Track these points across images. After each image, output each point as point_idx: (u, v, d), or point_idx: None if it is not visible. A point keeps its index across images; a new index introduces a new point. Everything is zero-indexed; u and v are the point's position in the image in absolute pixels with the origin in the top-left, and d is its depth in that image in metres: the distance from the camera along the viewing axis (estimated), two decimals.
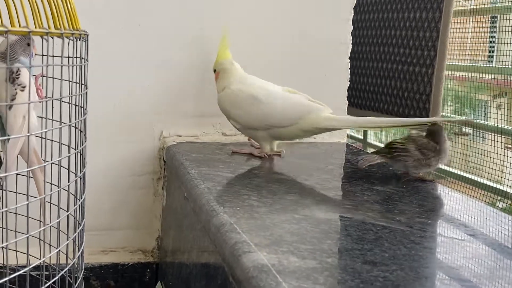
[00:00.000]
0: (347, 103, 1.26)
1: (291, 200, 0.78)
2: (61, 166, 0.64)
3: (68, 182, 0.65)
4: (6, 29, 0.51)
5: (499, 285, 0.56)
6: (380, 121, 0.99)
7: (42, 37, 0.57)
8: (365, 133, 2.61)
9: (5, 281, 0.56)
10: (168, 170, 1.13)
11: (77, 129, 0.68)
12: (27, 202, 0.57)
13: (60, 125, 0.63)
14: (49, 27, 0.58)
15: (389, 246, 0.61)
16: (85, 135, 0.70)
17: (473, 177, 1.88)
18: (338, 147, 1.21)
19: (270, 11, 1.19)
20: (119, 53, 1.12)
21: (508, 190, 1.71)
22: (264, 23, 1.19)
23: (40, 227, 0.62)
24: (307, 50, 1.22)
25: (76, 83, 0.67)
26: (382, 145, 2.60)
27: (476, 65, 2.02)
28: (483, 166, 1.88)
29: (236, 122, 1.04)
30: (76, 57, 0.66)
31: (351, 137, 2.69)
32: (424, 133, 0.95)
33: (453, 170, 1.97)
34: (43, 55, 0.60)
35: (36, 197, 0.61)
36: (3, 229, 0.62)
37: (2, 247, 0.56)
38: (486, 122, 1.91)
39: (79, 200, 0.68)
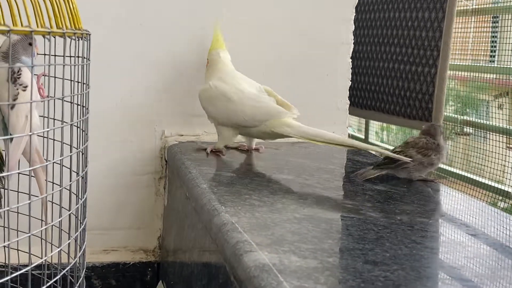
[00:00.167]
0: (349, 102, 1.26)
1: (292, 200, 0.78)
2: (63, 165, 0.64)
3: (70, 181, 0.65)
4: (8, 28, 0.51)
5: (500, 285, 0.56)
6: (330, 138, 0.96)
7: (44, 36, 0.57)
8: (366, 132, 2.62)
9: (7, 280, 0.56)
10: (169, 170, 1.13)
11: (79, 129, 0.68)
12: (29, 201, 0.57)
13: (62, 124, 0.63)
14: (51, 27, 0.58)
15: (390, 246, 0.61)
16: (87, 134, 0.70)
17: (474, 177, 1.88)
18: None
19: (272, 11, 1.20)
20: (121, 53, 1.12)
21: (510, 190, 1.71)
22: (266, 23, 1.19)
23: (42, 226, 0.62)
24: (308, 50, 1.22)
25: (78, 82, 0.67)
26: (382, 144, 2.61)
27: (478, 65, 2.02)
28: (484, 166, 1.88)
29: (211, 118, 1.05)
30: (78, 57, 0.66)
31: (352, 137, 2.69)
32: (420, 134, 0.95)
33: (454, 170, 1.97)
34: (45, 54, 0.60)
35: (38, 196, 0.61)
36: (5, 228, 0.62)
37: (4, 246, 0.56)
38: (488, 122, 1.91)
39: (81, 199, 0.68)
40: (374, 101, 1.53)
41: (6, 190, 0.68)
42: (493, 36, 2.13)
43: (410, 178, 0.91)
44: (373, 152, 1.10)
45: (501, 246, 0.68)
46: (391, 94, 1.45)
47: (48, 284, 0.60)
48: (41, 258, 0.62)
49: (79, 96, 0.68)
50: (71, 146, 0.65)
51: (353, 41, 1.25)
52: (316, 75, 1.23)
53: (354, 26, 1.25)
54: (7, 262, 0.57)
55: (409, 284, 0.52)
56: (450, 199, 0.90)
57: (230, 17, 1.17)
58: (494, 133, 1.82)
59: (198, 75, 1.12)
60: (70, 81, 0.66)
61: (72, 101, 0.67)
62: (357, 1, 1.24)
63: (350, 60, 1.25)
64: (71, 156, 0.65)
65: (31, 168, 0.60)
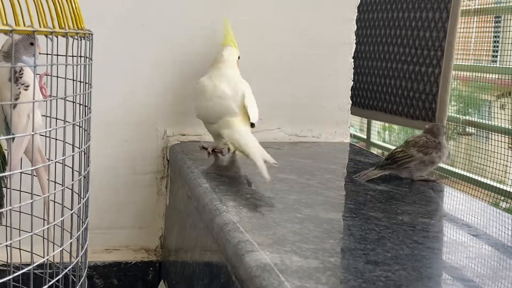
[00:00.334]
0: (351, 103, 1.26)
1: (294, 200, 0.78)
2: (65, 164, 0.64)
3: (72, 180, 0.65)
4: (10, 28, 0.51)
5: (502, 285, 0.56)
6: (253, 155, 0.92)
7: (46, 36, 0.57)
8: (368, 132, 2.62)
9: (9, 279, 0.56)
10: (171, 169, 1.13)
11: (81, 128, 0.68)
12: (31, 201, 0.57)
13: (64, 124, 0.63)
14: (53, 27, 0.58)
15: (392, 246, 0.61)
16: (89, 134, 0.70)
17: (476, 177, 1.88)
18: (341, 146, 1.21)
19: (274, 11, 1.19)
20: (123, 53, 1.13)
21: None
22: (268, 23, 1.19)
23: (44, 226, 0.62)
24: (310, 50, 1.22)
25: (81, 82, 0.67)
26: (384, 144, 2.61)
27: (480, 65, 2.02)
28: (486, 166, 1.88)
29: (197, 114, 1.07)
30: (81, 56, 0.67)
31: (354, 136, 2.69)
32: (422, 133, 0.95)
33: (456, 170, 1.97)
34: (47, 54, 0.60)
35: (40, 196, 0.62)
36: (7, 227, 0.62)
37: (6, 245, 0.56)
38: (490, 122, 1.91)
39: (83, 198, 0.68)
40: (377, 101, 1.53)
41: (8, 189, 0.69)
42: (495, 36, 2.13)
43: (412, 178, 0.91)
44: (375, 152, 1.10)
45: (502, 247, 0.68)
46: (395, 94, 1.45)
47: (50, 283, 0.60)
48: (43, 257, 0.62)
49: (81, 95, 0.68)
50: (73, 145, 0.66)
51: (355, 41, 1.25)
52: (318, 75, 1.23)
53: (356, 26, 1.24)
54: (9, 261, 0.57)
55: (411, 284, 0.52)
56: (452, 199, 0.90)
57: (231, 17, 1.17)
58: (496, 133, 1.82)
59: (201, 74, 1.11)
60: (72, 81, 0.66)
61: (74, 100, 0.67)
62: (359, 1, 1.24)
63: (352, 60, 1.25)
64: (73, 155, 0.65)
65: (33, 168, 0.61)
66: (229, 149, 1.03)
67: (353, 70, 1.26)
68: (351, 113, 1.27)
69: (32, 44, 0.64)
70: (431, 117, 1.33)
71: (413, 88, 1.38)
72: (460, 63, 1.98)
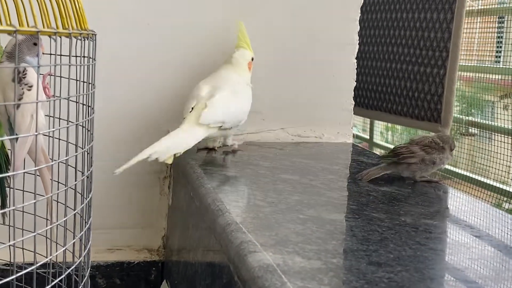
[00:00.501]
0: (353, 103, 1.26)
1: (296, 200, 0.78)
2: (68, 165, 0.64)
3: (75, 181, 0.65)
4: (14, 28, 0.51)
5: (505, 287, 0.56)
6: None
7: (50, 36, 0.57)
8: (371, 132, 2.62)
9: (12, 279, 0.56)
10: (174, 169, 1.13)
11: (84, 128, 0.68)
12: (34, 201, 0.57)
13: (67, 124, 0.63)
14: (57, 27, 0.59)
15: (394, 247, 0.61)
16: (92, 134, 0.70)
17: (479, 178, 1.88)
18: (344, 147, 1.21)
19: (277, 11, 1.19)
20: (126, 53, 1.13)
21: None
22: (271, 23, 1.19)
23: (47, 226, 0.62)
24: (313, 50, 1.22)
25: (84, 82, 0.67)
26: (387, 145, 2.61)
27: (483, 65, 2.02)
28: (489, 167, 1.88)
29: None
30: (84, 57, 0.67)
31: (357, 137, 2.69)
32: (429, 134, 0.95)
33: (459, 171, 1.97)
34: (51, 54, 0.60)
35: (43, 196, 0.62)
36: (11, 227, 0.62)
37: (10, 245, 0.56)
38: (493, 123, 1.91)
39: (86, 198, 0.68)
40: (382, 101, 1.53)
41: (12, 189, 0.69)
42: (498, 37, 2.13)
43: (414, 178, 0.91)
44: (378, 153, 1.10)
45: (505, 248, 0.68)
46: (400, 95, 1.45)
47: (53, 283, 0.61)
48: (46, 257, 0.62)
49: (85, 96, 0.68)
50: (76, 145, 0.66)
51: (358, 41, 1.25)
52: (321, 75, 1.23)
53: (359, 27, 1.24)
54: (12, 260, 0.57)
55: (413, 285, 0.52)
56: (455, 200, 0.90)
57: (234, 17, 1.17)
58: (499, 134, 1.82)
59: (204, 74, 1.12)
60: (76, 81, 0.66)
61: (77, 101, 0.67)
62: (362, 2, 1.24)
63: (356, 60, 1.25)
64: (76, 155, 0.65)
65: (36, 168, 0.61)
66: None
67: (356, 70, 1.26)
68: (354, 114, 1.27)
69: (35, 44, 0.64)
70: (436, 118, 1.33)
71: (418, 89, 1.38)
72: (463, 64, 1.98)
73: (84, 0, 0.68)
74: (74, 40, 0.62)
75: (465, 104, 2.19)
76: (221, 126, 0.99)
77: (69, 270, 0.65)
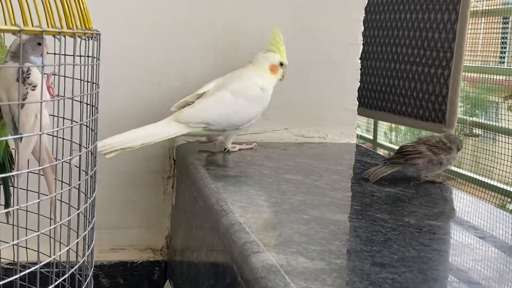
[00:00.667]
0: (357, 103, 1.26)
1: (300, 201, 0.78)
2: (72, 164, 0.64)
3: (79, 180, 0.66)
4: (19, 28, 0.51)
5: None
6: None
7: (54, 36, 0.57)
8: (375, 133, 2.61)
9: (16, 278, 0.56)
10: (178, 169, 1.14)
11: (88, 128, 0.68)
12: (38, 200, 0.57)
13: (71, 123, 0.64)
14: (61, 27, 0.59)
15: (398, 248, 0.61)
16: (96, 133, 0.70)
17: (483, 179, 1.88)
18: (347, 147, 1.20)
19: (281, 11, 1.19)
20: (130, 52, 1.13)
21: None
22: (275, 23, 1.19)
23: (50, 225, 0.62)
24: (317, 51, 1.22)
25: (88, 82, 0.67)
26: (390, 145, 2.60)
27: (488, 66, 2.01)
28: (493, 168, 1.87)
29: None
30: (88, 56, 0.67)
31: (361, 137, 2.69)
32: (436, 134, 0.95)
33: (463, 172, 1.96)
34: (55, 54, 0.60)
35: (47, 195, 0.62)
36: (14, 227, 0.62)
37: (13, 244, 0.57)
38: (497, 124, 1.90)
39: (90, 198, 0.68)
40: (386, 102, 1.52)
41: (15, 189, 0.69)
42: (503, 38, 2.12)
43: (419, 177, 0.91)
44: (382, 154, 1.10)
45: (509, 249, 0.68)
46: (404, 95, 1.45)
47: (57, 282, 0.61)
48: (50, 256, 0.62)
49: (89, 95, 0.68)
50: (80, 145, 0.66)
51: (362, 42, 1.25)
52: (325, 75, 1.23)
53: (363, 27, 1.24)
54: (16, 260, 0.57)
55: (417, 286, 0.52)
56: (459, 201, 0.89)
57: (237, 17, 1.17)
58: (503, 135, 1.81)
59: (207, 74, 1.12)
60: (80, 81, 0.66)
61: (81, 100, 0.68)
62: (366, 2, 1.24)
63: (359, 61, 1.25)
64: (80, 155, 0.65)
65: (40, 168, 0.61)
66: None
67: (360, 71, 1.26)
68: (358, 114, 1.27)
69: (39, 44, 0.64)
70: (440, 119, 1.32)
71: (423, 89, 1.38)
72: (468, 65, 1.97)
73: (88, 0, 0.68)
74: (78, 39, 0.62)
75: (469, 105, 2.18)
76: (206, 127, 1.00)
77: (72, 270, 0.65)
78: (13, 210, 0.60)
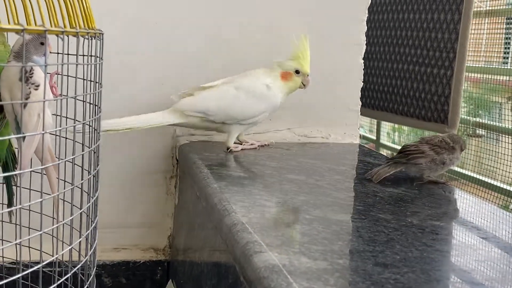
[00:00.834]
0: (360, 104, 1.26)
1: (302, 201, 0.78)
2: (74, 164, 0.64)
3: (82, 180, 0.66)
4: (22, 27, 0.51)
5: None
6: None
7: (57, 35, 0.57)
8: (378, 133, 2.61)
9: (18, 277, 0.56)
10: (180, 169, 1.14)
11: (91, 127, 0.68)
12: (40, 199, 0.57)
13: (74, 123, 0.64)
14: (64, 26, 0.59)
15: (401, 248, 0.61)
16: (99, 133, 0.70)
17: (486, 179, 1.87)
18: (350, 147, 1.20)
19: (284, 11, 1.19)
20: (134, 52, 1.13)
21: None
22: (278, 23, 1.19)
23: (53, 224, 0.62)
24: (320, 50, 1.22)
25: (91, 81, 0.67)
26: (393, 145, 2.60)
27: (491, 66, 2.01)
28: (496, 168, 1.87)
29: None
30: (91, 56, 0.67)
31: (364, 137, 2.69)
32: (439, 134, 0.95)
33: (466, 172, 1.96)
34: (58, 53, 0.60)
35: (49, 195, 0.62)
36: (17, 226, 0.62)
37: (16, 244, 0.57)
38: (500, 124, 1.90)
39: (92, 197, 0.68)
40: (389, 102, 1.52)
41: (18, 188, 0.69)
42: (506, 38, 2.12)
43: (421, 177, 0.90)
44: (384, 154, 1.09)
45: None
46: (406, 95, 1.45)
47: (59, 282, 0.61)
48: (52, 255, 0.62)
49: (92, 95, 0.68)
50: (83, 144, 0.66)
51: (365, 42, 1.25)
52: (328, 75, 1.23)
53: (366, 27, 1.24)
54: (18, 259, 0.57)
55: (419, 287, 0.52)
56: (462, 201, 0.89)
57: (244, 17, 1.17)
58: (506, 135, 1.81)
59: (211, 74, 1.12)
60: (83, 80, 0.66)
61: (84, 100, 0.68)
62: (369, 2, 1.24)
63: (363, 61, 1.25)
64: (83, 154, 0.65)
65: (43, 167, 0.61)
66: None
67: (363, 71, 1.25)
68: (361, 114, 1.27)
69: (42, 43, 0.64)
70: (443, 119, 1.32)
71: (425, 89, 1.38)
72: (471, 65, 1.97)
73: None
74: (81, 39, 0.62)
75: (473, 105, 2.18)
76: (203, 117, 1.02)
77: (75, 269, 0.65)
78: (16, 209, 0.60)
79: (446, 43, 1.31)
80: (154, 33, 1.14)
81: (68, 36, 0.59)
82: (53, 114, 0.69)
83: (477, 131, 1.99)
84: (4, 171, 0.78)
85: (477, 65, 2.00)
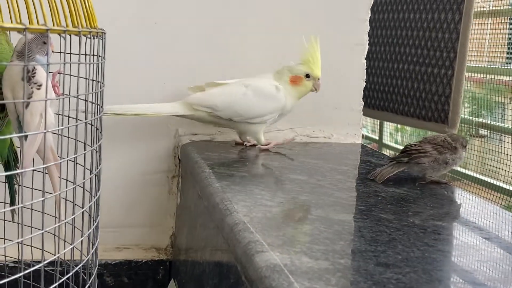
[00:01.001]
0: (363, 104, 1.26)
1: (304, 200, 0.78)
2: (76, 163, 0.64)
3: (84, 179, 0.66)
4: (24, 26, 0.51)
5: None
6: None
7: (60, 35, 0.57)
8: (380, 133, 2.61)
9: (20, 276, 0.56)
10: (182, 169, 1.14)
11: (93, 127, 0.68)
12: (42, 198, 0.57)
13: (76, 122, 0.64)
14: (67, 25, 0.59)
15: (403, 248, 0.61)
16: (101, 132, 0.70)
17: (489, 180, 1.87)
18: (352, 147, 1.20)
19: (287, 11, 1.19)
20: (135, 51, 1.13)
21: None
22: (280, 24, 1.19)
23: (55, 223, 0.63)
24: (323, 51, 1.21)
25: (93, 80, 0.67)
26: (396, 146, 2.60)
27: (494, 66, 2.00)
28: (499, 168, 1.86)
29: None
30: (93, 55, 0.67)
31: (366, 137, 2.69)
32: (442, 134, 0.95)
33: (469, 173, 1.96)
34: (60, 52, 0.60)
35: (51, 194, 0.62)
36: (19, 225, 0.62)
37: (18, 243, 0.57)
38: (503, 125, 1.89)
39: (94, 197, 0.68)
40: (389, 102, 1.52)
41: (20, 187, 0.69)
42: (509, 38, 2.11)
43: (424, 177, 0.90)
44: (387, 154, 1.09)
45: None
46: (407, 95, 1.45)
47: (61, 281, 0.61)
48: (54, 254, 0.62)
49: (94, 94, 0.68)
50: (85, 144, 0.66)
51: (368, 42, 1.25)
52: (330, 75, 1.22)
53: (369, 27, 1.24)
54: (20, 258, 0.57)
55: (421, 287, 0.52)
56: (464, 202, 0.89)
57: (245, 18, 1.17)
58: (509, 136, 1.81)
59: (213, 74, 1.12)
60: (85, 79, 0.66)
61: (86, 99, 0.68)
62: (372, 2, 1.24)
63: (365, 61, 1.25)
64: (85, 154, 0.65)
65: (45, 166, 0.61)
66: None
67: (365, 71, 1.25)
68: (363, 114, 1.27)
69: (45, 43, 0.64)
70: (443, 119, 1.32)
71: (426, 89, 1.38)
72: (474, 65, 1.97)
73: None
74: (83, 38, 0.62)
75: (475, 105, 2.18)
76: (210, 112, 1.04)
77: (76, 268, 0.65)
78: (18, 208, 0.60)
79: (446, 43, 1.31)
80: (156, 32, 1.14)
81: (70, 35, 0.59)
82: (55, 114, 0.69)
83: (480, 131, 1.98)
84: (6, 170, 0.78)
85: (480, 65, 2.00)
